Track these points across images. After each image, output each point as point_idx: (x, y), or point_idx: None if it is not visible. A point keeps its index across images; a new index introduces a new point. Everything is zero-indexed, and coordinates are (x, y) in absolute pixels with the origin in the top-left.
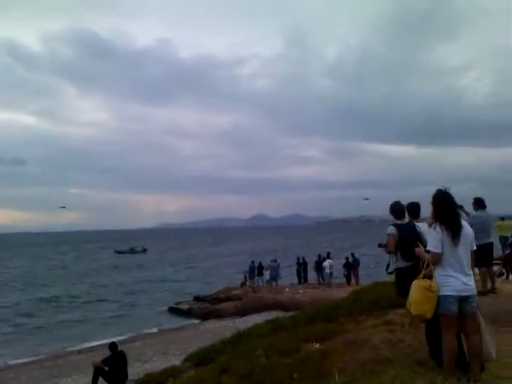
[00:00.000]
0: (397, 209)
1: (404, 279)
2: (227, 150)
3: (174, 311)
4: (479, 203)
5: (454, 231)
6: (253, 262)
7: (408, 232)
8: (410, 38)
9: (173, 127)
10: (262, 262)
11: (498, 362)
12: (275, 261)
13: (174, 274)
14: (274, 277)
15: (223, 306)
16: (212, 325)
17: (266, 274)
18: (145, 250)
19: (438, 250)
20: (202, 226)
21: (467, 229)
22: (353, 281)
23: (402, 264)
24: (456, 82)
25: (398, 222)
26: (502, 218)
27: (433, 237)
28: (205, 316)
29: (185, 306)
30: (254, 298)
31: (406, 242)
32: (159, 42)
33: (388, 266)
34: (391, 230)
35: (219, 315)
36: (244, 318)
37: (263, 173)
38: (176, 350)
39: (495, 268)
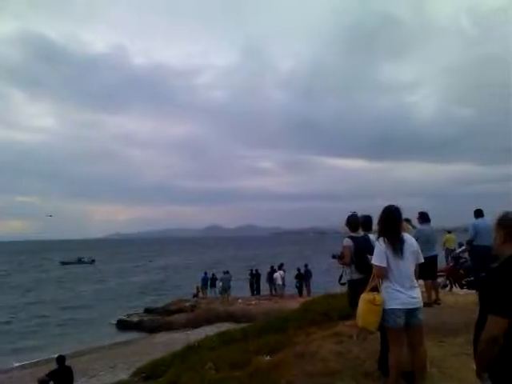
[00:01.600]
0: (352, 221)
1: (356, 291)
2: (182, 159)
3: (124, 324)
4: (423, 217)
5: (397, 245)
6: (205, 273)
7: (363, 244)
8: (361, 54)
9: (126, 135)
10: (214, 273)
11: (441, 373)
12: (227, 272)
13: (124, 286)
14: (227, 288)
15: (175, 317)
16: (163, 337)
17: (219, 286)
18: (93, 261)
19: (382, 264)
20: (156, 237)
21: (411, 242)
22: (305, 292)
23: (356, 276)
24: (406, 99)
25: (354, 234)
26: (449, 232)
27: (377, 251)
28: (156, 328)
29: (135, 319)
30: (206, 310)
31: (362, 254)
32: (113, 48)
33: (341, 277)
34: (347, 242)
35: (170, 327)
36: (196, 330)
37: (218, 183)
38: (125, 364)
39: (439, 280)
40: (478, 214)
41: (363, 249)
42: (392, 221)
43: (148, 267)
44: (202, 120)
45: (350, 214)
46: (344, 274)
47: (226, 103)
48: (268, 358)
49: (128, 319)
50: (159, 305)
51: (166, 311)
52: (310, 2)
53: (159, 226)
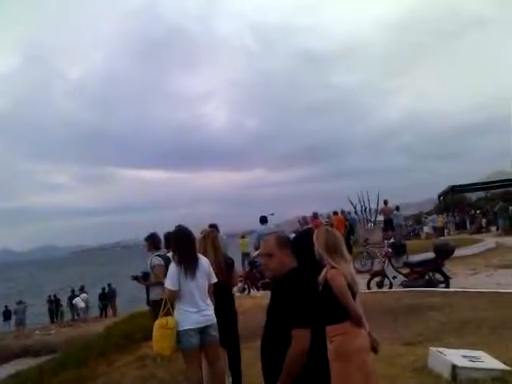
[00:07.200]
0: (155, 240)
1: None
2: None
3: None
4: (214, 228)
5: (191, 266)
6: None
7: (168, 263)
8: (154, 64)
9: None
10: (7, 305)
11: (243, 381)
12: (21, 302)
13: None
14: (22, 320)
15: None
16: None
17: (13, 319)
18: None
19: (174, 288)
20: None
21: (203, 262)
22: (110, 313)
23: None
24: (198, 110)
25: (159, 252)
26: (243, 236)
27: (170, 274)
28: None
29: None
30: None
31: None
32: None
33: (148, 297)
34: (159, 260)
35: None
36: None
37: (4, 202)
38: None
39: (239, 285)
40: (262, 220)
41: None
42: (184, 242)
43: None
44: None
45: (269, 214)
46: (150, 294)
47: (7, 112)
48: None
49: None
50: None
51: None
52: (97, 6)
53: None
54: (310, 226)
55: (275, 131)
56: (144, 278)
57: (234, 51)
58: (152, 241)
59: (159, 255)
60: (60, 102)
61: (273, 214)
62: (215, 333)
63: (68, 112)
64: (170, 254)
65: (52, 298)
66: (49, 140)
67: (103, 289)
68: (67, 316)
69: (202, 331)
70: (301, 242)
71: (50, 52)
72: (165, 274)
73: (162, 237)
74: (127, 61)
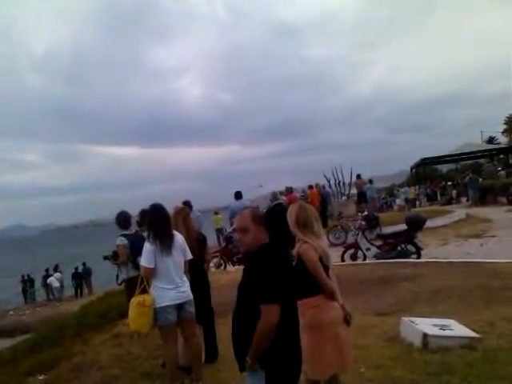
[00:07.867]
0: (122, 219)
1: (135, 288)
2: None
3: None
4: (187, 205)
5: (167, 243)
6: None
7: (139, 242)
8: (126, 38)
9: None
10: None
11: (220, 354)
12: None
13: None
14: None
15: None
16: None
17: None
18: None
19: (150, 266)
20: None
21: (178, 238)
22: (86, 291)
23: (134, 273)
24: (173, 85)
25: (126, 231)
26: (216, 213)
27: (146, 251)
28: None
29: None
30: None
31: (138, 252)
32: None
33: (117, 277)
34: (122, 240)
35: None
36: None
37: None
38: None
39: (215, 260)
40: (237, 196)
41: (139, 246)
42: (159, 219)
43: None
44: None
45: (258, 187)
46: (120, 274)
47: None
48: (42, 377)
49: None
50: None
51: None
52: None
53: None
54: (281, 201)
55: (249, 106)
56: (114, 257)
57: (206, 23)
58: (122, 219)
59: (124, 235)
60: (25, 77)
61: (261, 186)
62: (192, 309)
63: (36, 88)
64: (145, 234)
65: (26, 278)
66: (15, 117)
67: (76, 268)
68: (41, 296)
69: (179, 307)
70: (270, 218)
71: (15, 24)
72: (133, 254)
73: (137, 214)
74: (97, 34)
